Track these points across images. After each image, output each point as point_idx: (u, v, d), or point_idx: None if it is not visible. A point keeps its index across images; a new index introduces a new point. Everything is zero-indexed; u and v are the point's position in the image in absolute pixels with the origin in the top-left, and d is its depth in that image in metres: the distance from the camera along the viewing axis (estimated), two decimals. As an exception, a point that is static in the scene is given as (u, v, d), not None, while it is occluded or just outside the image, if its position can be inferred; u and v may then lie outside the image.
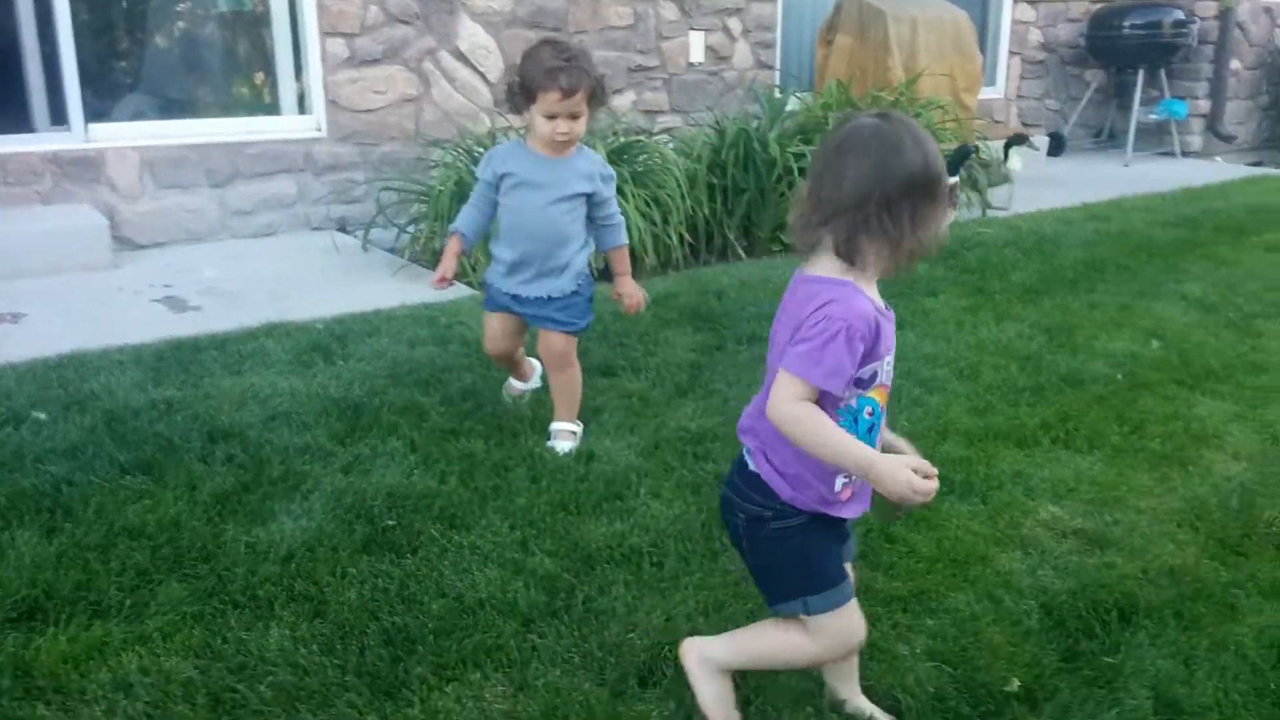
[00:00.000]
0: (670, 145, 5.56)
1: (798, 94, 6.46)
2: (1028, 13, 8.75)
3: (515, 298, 3.04)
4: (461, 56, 6.13)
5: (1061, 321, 4.24)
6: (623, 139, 5.35)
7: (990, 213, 6.34)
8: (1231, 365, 3.83)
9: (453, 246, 3.02)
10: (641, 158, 5.34)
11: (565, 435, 3.09)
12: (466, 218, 3.05)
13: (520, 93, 2.85)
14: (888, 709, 2.04)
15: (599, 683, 2.03)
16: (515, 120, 3.37)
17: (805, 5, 7.61)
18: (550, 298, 3.02)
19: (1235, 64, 9.09)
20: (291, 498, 2.73)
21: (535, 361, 3.34)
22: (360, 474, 2.86)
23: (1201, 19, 8.86)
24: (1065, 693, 2.14)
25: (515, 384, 3.41)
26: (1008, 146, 6.52)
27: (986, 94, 8.34)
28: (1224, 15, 8.82)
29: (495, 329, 3.14)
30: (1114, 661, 2.24)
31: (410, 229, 5.24)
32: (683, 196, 5.13)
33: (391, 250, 5.34)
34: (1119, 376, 3.68)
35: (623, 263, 3.14)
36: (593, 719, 1.92)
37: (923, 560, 2.52)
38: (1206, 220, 6.06)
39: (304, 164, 5.82)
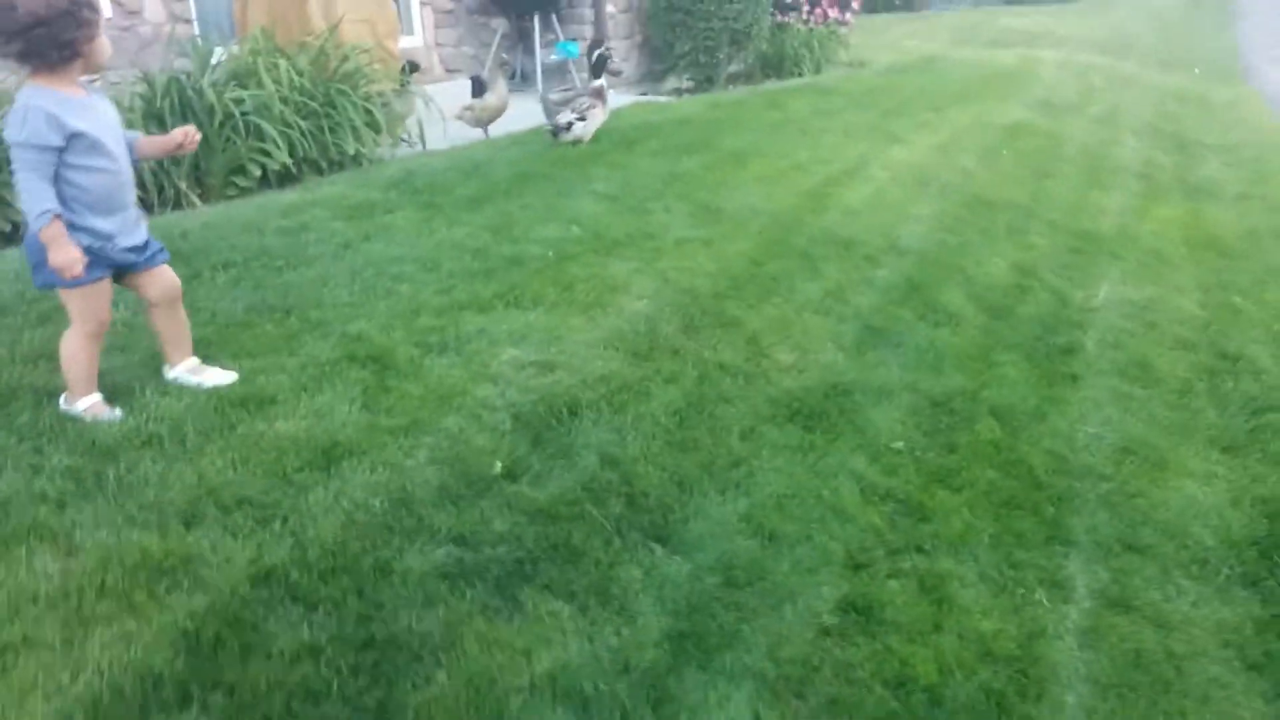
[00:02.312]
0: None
1: (222, 46, 6.49)
2: (429, -34, 9.44)
3: (133, 249, 2.81)
4: None
5: (501, 221, 4.93)
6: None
7: (403, 148, 6.84)
8: (632, 236, 4.78)
9: (61, 230, 2.55)
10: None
11: (208, 369, 3.06)
12: (51, 193, 2.54)
13: (85, 13, 2.56)
14: (397, 501, 2.51)
15: (146, 530, 2.26)
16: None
17: (211, -44, 7.56)
18: (148, 238, 2.90)
19: (611, 8, 10.58)
20: None
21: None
22: None
23: (579, -30, 10.19)
24: (537, 465, 2.77)
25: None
26: (404, 73, 7.02)
27: (409, 42, 8.92)
28: (595, -34, 10.22)
29: (110, 292, 2.81)
30: (569, 439, 2.92)
31: None
32: (123, 146, 5.02)
33: None
34: (550, 254, 4.44)
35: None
36: (149, 556, 2.15)
37: (414, 400, 3.02)
38: (604, 137, 7.19)
39: None
